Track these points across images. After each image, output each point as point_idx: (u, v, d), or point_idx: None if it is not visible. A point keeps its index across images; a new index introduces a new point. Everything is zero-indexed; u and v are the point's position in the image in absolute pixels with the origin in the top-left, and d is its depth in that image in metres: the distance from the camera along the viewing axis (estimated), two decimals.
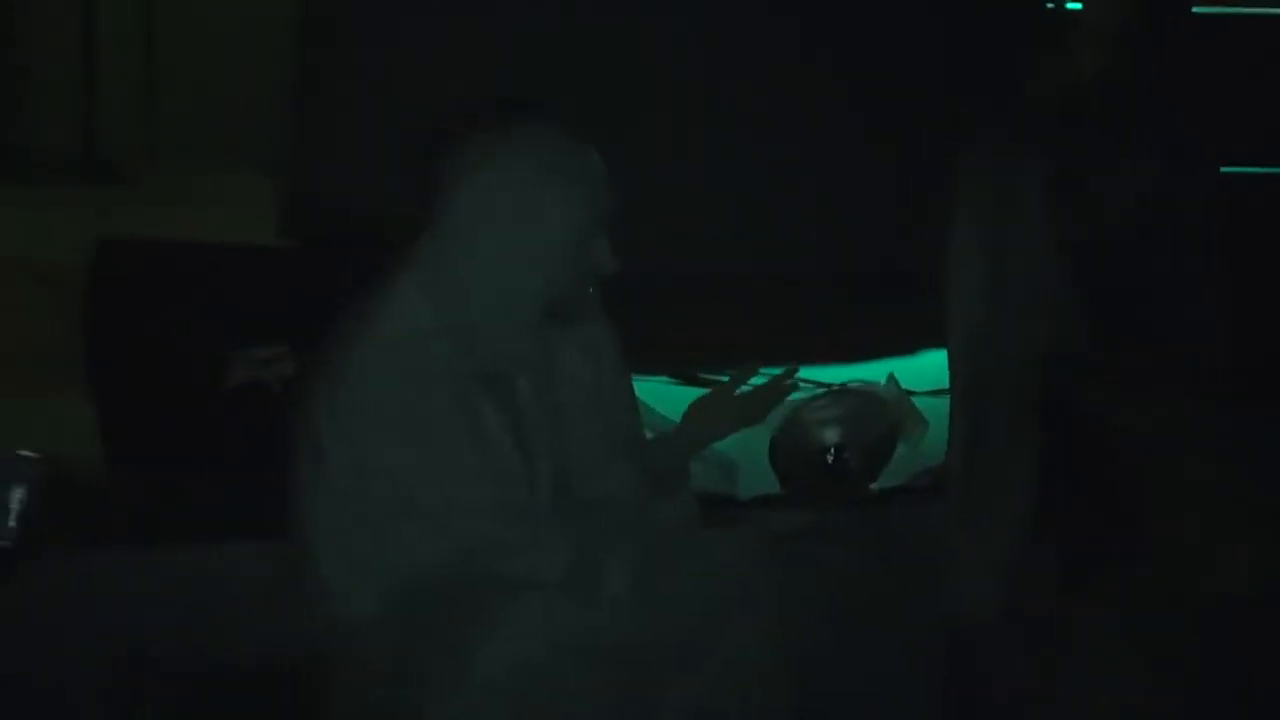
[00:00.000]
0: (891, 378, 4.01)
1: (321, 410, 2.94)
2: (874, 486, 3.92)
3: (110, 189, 7.19)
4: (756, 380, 3.14)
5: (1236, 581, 3.36)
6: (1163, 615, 3.31)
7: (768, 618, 3.04)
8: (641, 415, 3.26)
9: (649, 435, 3.33)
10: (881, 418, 3.92)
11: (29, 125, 7.49)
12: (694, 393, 4.43)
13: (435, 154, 2.93)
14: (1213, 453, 3.44)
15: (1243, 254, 3.55)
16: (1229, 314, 3.51)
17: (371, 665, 2.96)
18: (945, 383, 3.61)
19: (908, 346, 4.84)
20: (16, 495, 3.36)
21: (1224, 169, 3.72)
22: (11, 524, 3.32)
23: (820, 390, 4.27)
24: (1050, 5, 5.76)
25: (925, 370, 4.44)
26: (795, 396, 4.17)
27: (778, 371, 4.66)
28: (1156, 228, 3.46)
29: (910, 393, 4.09)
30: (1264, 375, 3.67)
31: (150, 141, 7.71)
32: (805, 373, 4.73)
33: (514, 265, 2.92)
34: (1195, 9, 4.05)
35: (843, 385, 4.24)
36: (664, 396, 4.44)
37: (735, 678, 3.00)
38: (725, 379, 3.19)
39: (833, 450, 3.82)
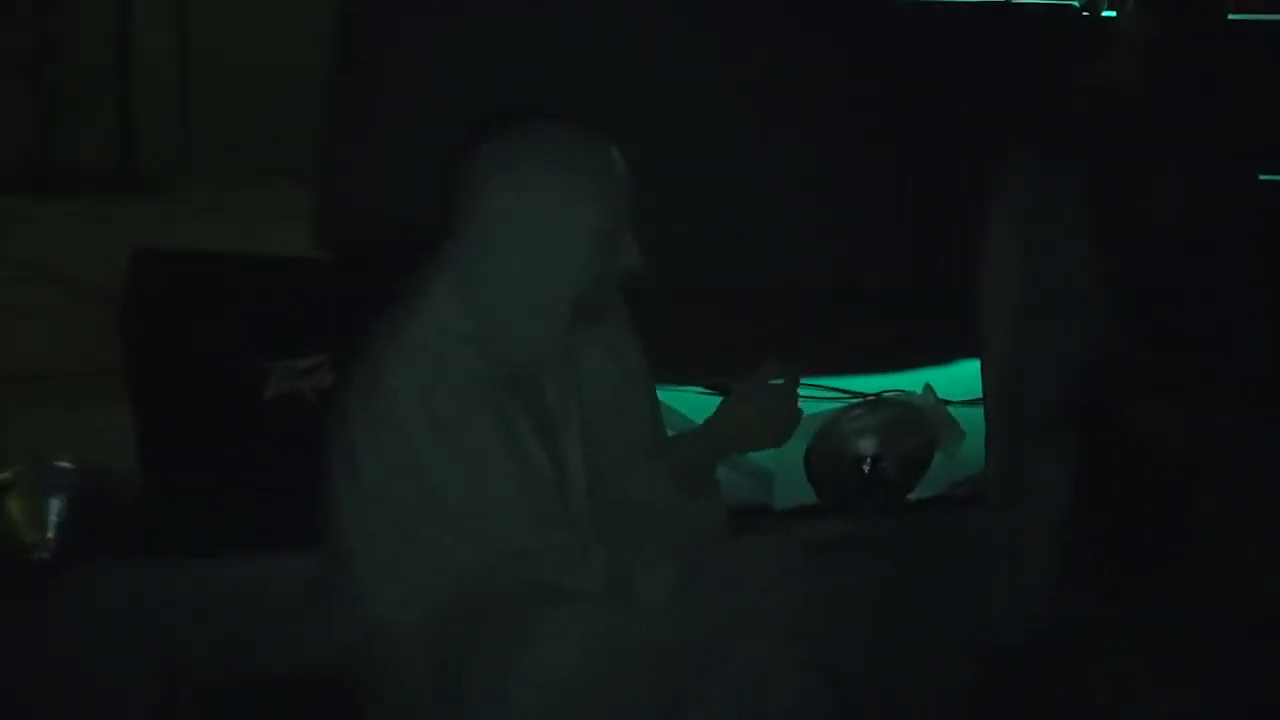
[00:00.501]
0: (928, 387, 4.00)
1: (355, 417, 2.95)
2: (910, 496, 3.90)
3: (147, 201, 7.25)
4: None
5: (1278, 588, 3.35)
6: (1205, 624, 3.29)
7: (801, 627, 3.04)
8: (669, 421, 3.26)
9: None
10: (918, 427, 3.91)
11: (66, 139, 7.54)
12: None
13: (457, 161, 2.95)
14: (1254, 459, 3.42)
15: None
16: (1269, 320, 3.49)
17: (407, 674, 2.96)
18: (980, 392, 3.60)
19: (943, 356, 4.83)
20: (54, 506, 3.37)
21: (1262, 175, 3.71)
22: (49, 535, 3.33)
23: (856, 400, 4.26)
24: (1085, 14, 5.78)
25: (960, 379, 4.44)
26: (831, 407, 4.19)
27: (815, 382, 4.72)
28: (1195, 234, 3.45)
29: (946, 402, 4.08)
30: None
31: (186, 154, 7.76)
32: (840, 383, 4.75)
33: (539, 266, 2.93)
34: (1231, 15, 4.04)
35: (879, 395, 4.23)
36: (697, 406, 4.44)
37: (768, 687, 3.00)
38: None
39: (869, 460, 3.81)
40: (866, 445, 3.82)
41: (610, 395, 3.10)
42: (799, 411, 3.10)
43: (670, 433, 3.22)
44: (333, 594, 3.02)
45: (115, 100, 7.56)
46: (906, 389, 4.09)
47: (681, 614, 2.94)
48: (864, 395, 4.45)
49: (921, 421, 3.92)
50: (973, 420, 3.87)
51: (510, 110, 2.97)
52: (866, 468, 3.80)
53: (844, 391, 4.68)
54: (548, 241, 2.92)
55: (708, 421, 3.13)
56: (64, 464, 3.48)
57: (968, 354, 4.00)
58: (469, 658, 2.86)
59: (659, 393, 3.18)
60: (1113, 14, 5.76)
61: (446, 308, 2.96)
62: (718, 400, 3.21)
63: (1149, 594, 3.34)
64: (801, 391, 3.07)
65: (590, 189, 2.91)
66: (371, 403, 2.94)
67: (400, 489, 2.92)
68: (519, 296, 2.94)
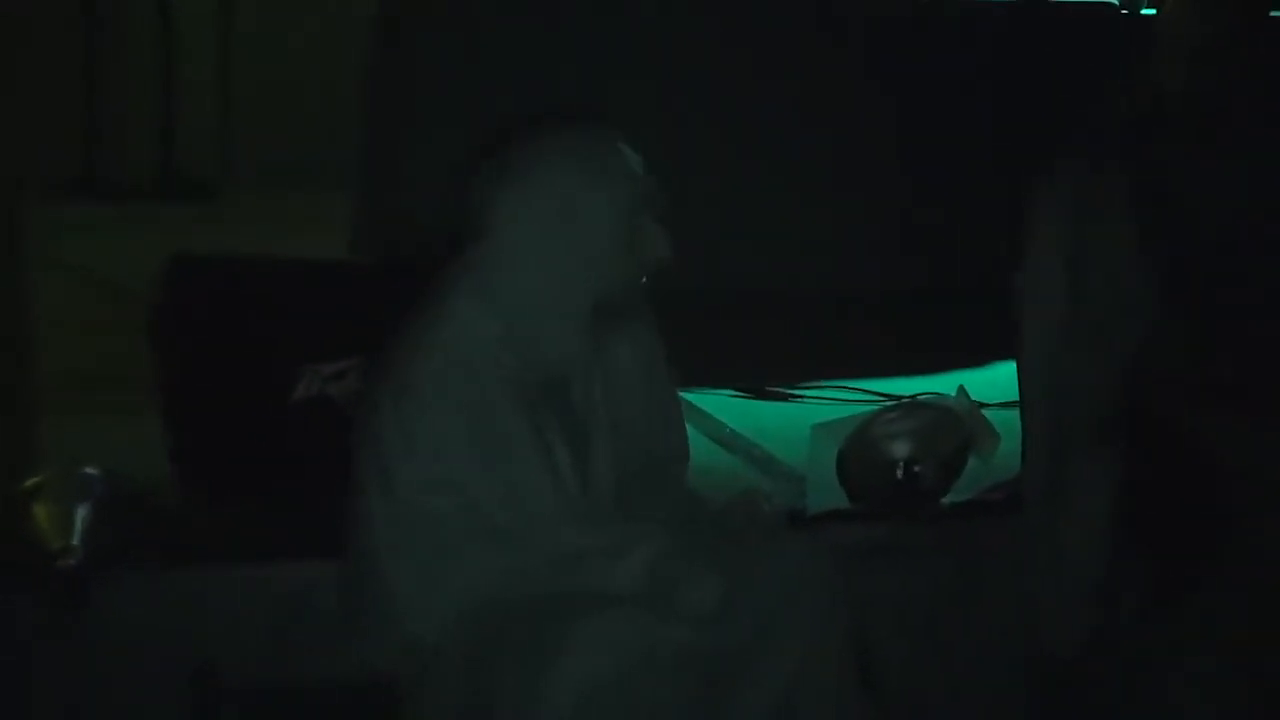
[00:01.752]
0: (962, 390, 3.96)
1: (385, 424, 2.94)
2: (945, 501, 3.87)
3: (189, 208, 7.27)
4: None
5: None
6: (1255, 636, 3.25)
7: (836, 633, 3.02)
8: (702, 423, 3.25)
9: (711, 441, 3.32)
10: (953, 431, 3.87)
11: (109, 145, 7.56)
12: (759, 406, 4.44)
13: (477, 165, 2.96)
14: None
15: None
16: None
17: (440, 683, 2.95)
18: (1015, 395, 3.57)
19: (978, 359, 4.79)
20: (81, 513, 3.36)
21: None
22: (76, 542, 3.32)
23: (890, 403, 4.23)
24: (1124, 12, 5.74)
25: (996, 382, 4.40)
26: (866, 410, 4.15)
27: (846, 384, 4.70)
28: (1244, 238, 3.41)
29: (981, 405, 4.04)
30: None
31: (228, 161, 7.78)
32: (875, 386, 4.73)
33: (560, 266, 2.94)
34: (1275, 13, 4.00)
35: (913, 398, 4.19)
36: (730, 409, 4.43)
37: (804, 691, 2.98)
38: (793, 392, 3.16)
39: (903, 464, 3.77)
40: (900, 449, 3.78)
41: (636, 392, 3.09)
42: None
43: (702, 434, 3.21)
44: (363, 602, 3.02)
45: (158, 106, 7.57)
46: (941, 392, 4.04)
47: (720, 619, 2.93)
48: (898, 398, 4.41)
49: (957, 425, 3.88)
50: (1007, 423, 3.83)
51: (526, 114, 2.98)
52: (900, 472, 3.77)
53: (878, 394, 4.66)
54: (567, 241, 2.93)
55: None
56: (93, 470, 3.48)
57: (1002, 356, 3.98)
58: (503, 666, 2.86)
59: (694, 397, 3.18)
60: (1152, 11, 5.74)
61: (472, 311, 2.96)
62: (750, 404, 3.21)
63: (1197, 607, 3.30)
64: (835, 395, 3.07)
65: (606, 186, 2.93)
66: (402, 408, 2.93)
67: (431, 494, 2.93)
68: (542, 297, 2.95)
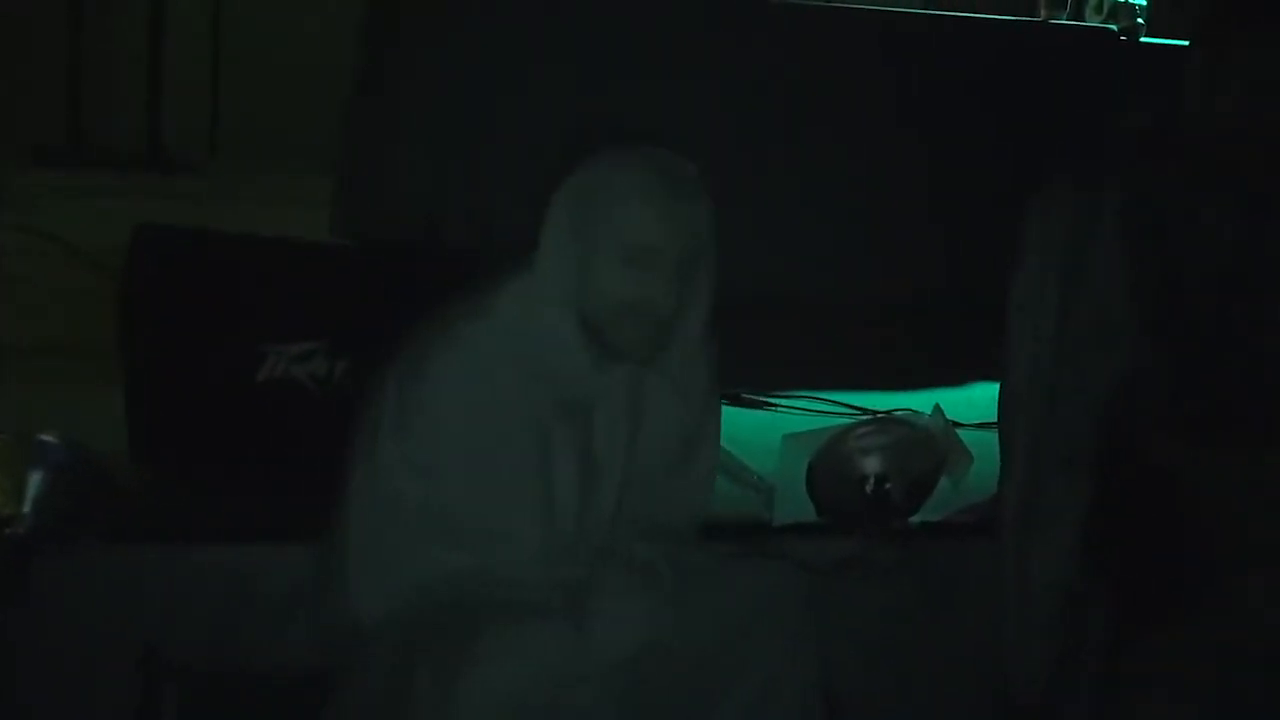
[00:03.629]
0: (937, 408, 3.92)
1: (388, 404, 2.92)
2: (914, 520, 3.83)
3: (173, 180, 7.23)
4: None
5: None
6: (1223, 673, 3.21)
7: (794, 650, 2.99)
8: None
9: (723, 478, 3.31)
10: (926, 449, 3.83)
11: (93, 115, 7.53)
12: (733, 413, 4.40)
13: (562, 177, 2.93)
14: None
15: None
16: None
17: (366, 677, 2.92)
18: (993, 416, 3.53)
19: (955, 378, 4.78)
20: (33, 479, 3.30)
21: None
22: (26, 509, 3.26)
23: (864, 417, 4.19)
24: (1122, 38, 5.72)
25: (973, 402, 4.38)
26: (835, 422, 4.13)
27: (821, 395, 4.68)
28: (1235, 271, 3.37)
29: (956, 425, 4.01)
30: None
31: (214, 137, 7.75)
32: (849, 399, 4.70)
33: (597, 293, 2.88)
34: None
35: (887, 414, 4.16)
36: None
37: (765, 710, 2.95)
38: (768, 400, 3.13)
39: (873, 479, 3.73)
40: (871, 464, 3.74)
41: (671, 440, 3.05)
42: None
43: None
44: (320, 578, 3.00)
45: (145, 78, 7.54)
46: (916, 409, 4.00)
47: (666, 633, 2.91)
48: (874, 413, 4.38)
49: (930, 444, 3.84)
50: (982, 445, 3.79)
51: (614, 133, 2.96)
52: (869, 487, 3.73)
53: (854, 408, 4.63)
54: (606, 269, 2.87)
55: None
56: (50, 438, 3.42)
57: (980, 376, 3.95)
58: (424, 667, 2.83)
59: None
60: (1147, 39, 5.73)
61: (508, 315, 2.93)
62: (724, 410, 3.18)
63: (1166, 641, 3.26)
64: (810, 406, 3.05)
65: (661, 221, 2.87)
66: (407, 389, 2.91)
67: (409, 478, 2.90)
68: (574, 319, 2.89)
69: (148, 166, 7.39)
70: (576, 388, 2.94)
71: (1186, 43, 3.35)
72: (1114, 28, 5.73)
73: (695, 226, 2.91)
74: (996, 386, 3.41)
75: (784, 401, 4.71)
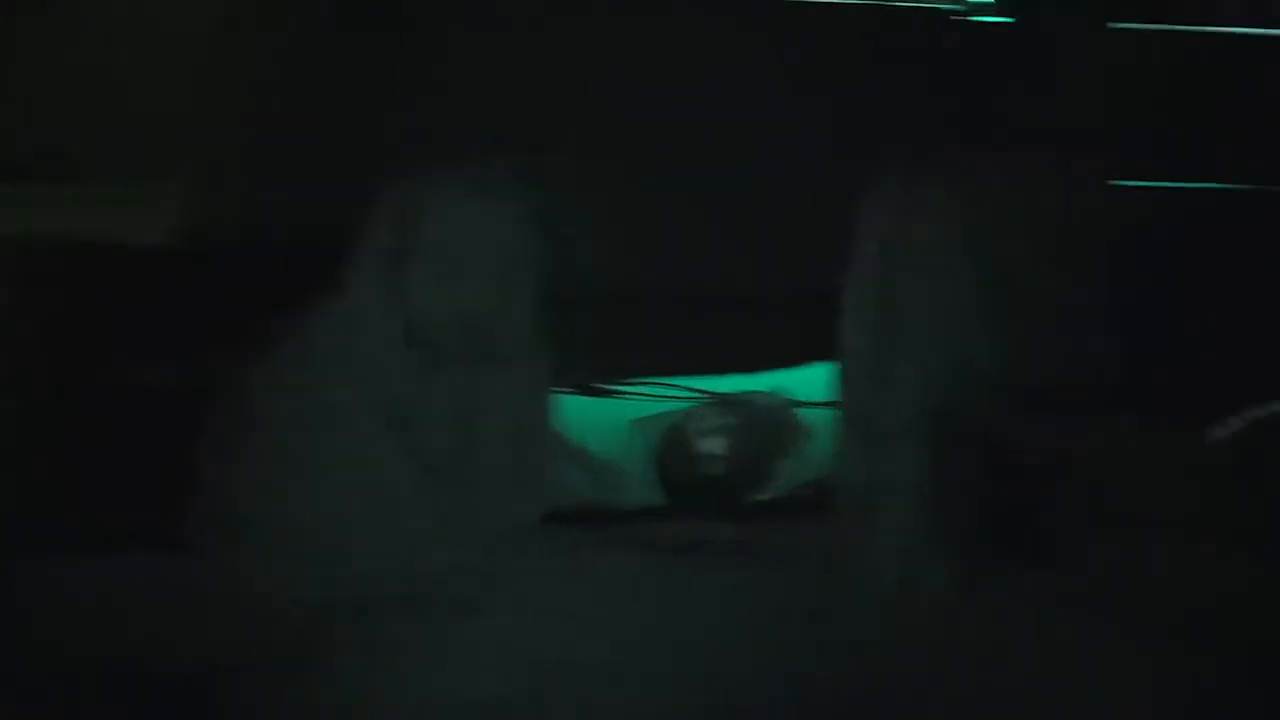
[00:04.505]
0: (775, 388, 3.99)
1: (261, 393, 3.02)
2: (755, 497, 3.89)
3: (30, 187, 7.11)
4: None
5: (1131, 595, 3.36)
6: (1059, 622, 3.31)
7: (647, 629, 3.04)
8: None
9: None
10: (763, 428, 3.90)
11: None
12: (588, 402, 4.44)
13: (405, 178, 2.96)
14: (1104, 465, 3.44)
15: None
16: (1125, 332, 3.51)
17: (277, 675, 2.95)
18: (829, 394, 3.60)
19: (796, 358, 4.82)
20: None
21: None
22: None
23: (704, 399, 4.27)
24: (959, 18, 5.78)
25: (810, 381, 4.43)
26: (680, 406, 4.18)
27: (667, 380, 4.71)
28: (1054, 244, 3.46)
29: (794, 403, 4.07)
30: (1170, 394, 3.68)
31: (71, 143, 7.62)
32: (695, 383, 4.74)
33: (436, 296, 2.92)
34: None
35: (725, 395, 4.22)
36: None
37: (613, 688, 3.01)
38: (616, 389, 3.18)
39: (713, 459, 3.80)
40: (711, 444, 3.81)
41: (507, 433, 3.09)
42: None
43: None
44: (210, 582, 3.01)
45: None
46: (754, 389, 4.06)
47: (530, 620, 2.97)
48: (712, 394, 4.44)
49: (767, 422, 3.91)
50: (819, 422, 3.86)
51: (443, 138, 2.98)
52: (711, 467, 3.79)
53: (699, 391, 4.67)
54: (429, 276, 2.92)
55: None
56: None
57: (820, 357, 4.01)
58: (340, 660, 2.88)
59: None
60: (989, 18, 5.79)
61: (337, 322, 2.95)
62: (572, 399, 3.22)
63: (1002, 601, 3.35)
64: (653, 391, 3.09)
65: (479, 226, 2.91)
66: (282, 379, 2.94)
67: (297, 475, 3.01)
68: (399, 325, 2.93)
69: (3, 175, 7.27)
70: (404, 392, 2.98)
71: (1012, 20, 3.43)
72: (960, 6, 5.78)
73: (514, 230, 2.96)
74: (833, 367, 3.46)
75: (631, 389, 4.74)
